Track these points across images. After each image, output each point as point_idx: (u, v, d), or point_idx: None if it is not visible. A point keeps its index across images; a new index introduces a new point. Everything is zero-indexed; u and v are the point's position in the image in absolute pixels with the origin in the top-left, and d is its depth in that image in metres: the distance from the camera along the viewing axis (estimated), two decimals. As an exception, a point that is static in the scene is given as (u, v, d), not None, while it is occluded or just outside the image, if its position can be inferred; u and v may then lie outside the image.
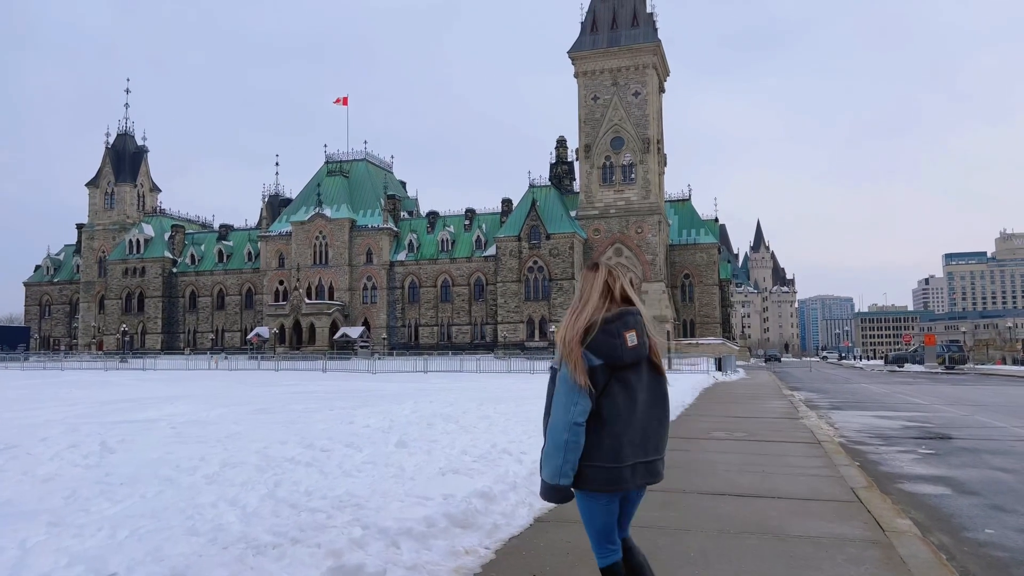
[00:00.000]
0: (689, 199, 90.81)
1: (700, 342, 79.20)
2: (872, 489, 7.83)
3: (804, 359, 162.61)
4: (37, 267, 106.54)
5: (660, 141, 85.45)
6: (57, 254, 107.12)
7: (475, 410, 14.74)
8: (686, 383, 27.19)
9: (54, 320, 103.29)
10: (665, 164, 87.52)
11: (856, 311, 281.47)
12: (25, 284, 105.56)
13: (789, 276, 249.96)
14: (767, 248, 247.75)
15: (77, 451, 9.00)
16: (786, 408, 19.16)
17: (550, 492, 3.36)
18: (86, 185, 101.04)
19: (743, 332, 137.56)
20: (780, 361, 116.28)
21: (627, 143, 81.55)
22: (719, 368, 43.10)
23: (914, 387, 31.95)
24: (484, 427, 11.82)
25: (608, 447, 3.29)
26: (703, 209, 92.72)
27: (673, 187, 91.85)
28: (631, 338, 3.33)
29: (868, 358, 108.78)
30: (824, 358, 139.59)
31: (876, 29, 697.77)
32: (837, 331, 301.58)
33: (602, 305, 3.40)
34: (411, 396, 19.82)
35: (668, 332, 75.10)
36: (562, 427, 3.27)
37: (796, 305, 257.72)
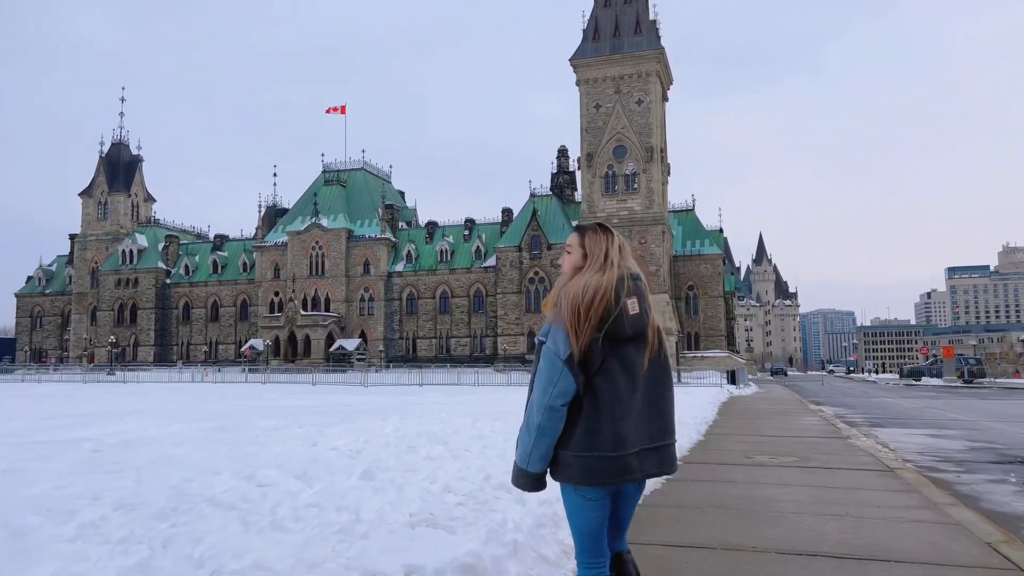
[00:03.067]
0: (693, 209, 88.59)
1: (706, 355, 76.81)
2: (1015, 544, 5.61)
3: (809, 373, 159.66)
4: (29, 278, 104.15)
5: (664, 150, 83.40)
6: (50, 265, 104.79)
7: (468, 428, 12.51)
8: (702, 396, 25.03)
9: (45, 332, 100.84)
10: (669, 174, 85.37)
11: (859, 325, 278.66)
12: (16, 295, 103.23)
13: (791, 290, 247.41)
14: (769, 261, 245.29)
15: (-66, 486, 6.79)
16: (822, 426, 16.92)
17: (518, 476, 2.97)
18: (79, 195, 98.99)
19: (748, 345, 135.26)
20: (787, 375, 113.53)
21: (630, 152, 79.44)
22: (732, 381, 40.84)
23: (944, 401, 29.65)
24: (478, 450, 9.60)
25: (609, 434, 2.84)
26: (707, 220, 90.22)
27: (677, 198, 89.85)
28: (632, 305, 2.90)
29: (878, 371, 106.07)
30: (831, 371, 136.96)
31: (880, 47, 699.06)
32: (840, 345, 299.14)
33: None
34: (399, 411, 17.58)
35: (675, 344, 72.80)
36: (537, 408, 2.87)
37: (798, 319, 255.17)
